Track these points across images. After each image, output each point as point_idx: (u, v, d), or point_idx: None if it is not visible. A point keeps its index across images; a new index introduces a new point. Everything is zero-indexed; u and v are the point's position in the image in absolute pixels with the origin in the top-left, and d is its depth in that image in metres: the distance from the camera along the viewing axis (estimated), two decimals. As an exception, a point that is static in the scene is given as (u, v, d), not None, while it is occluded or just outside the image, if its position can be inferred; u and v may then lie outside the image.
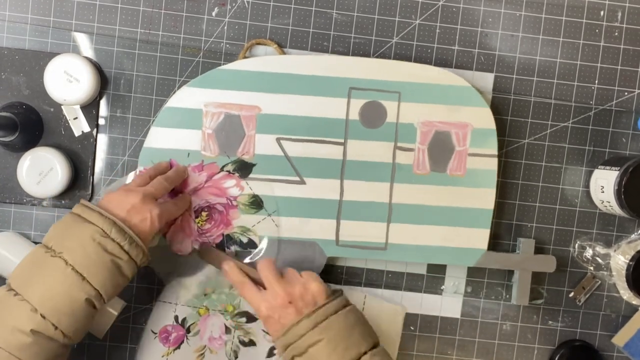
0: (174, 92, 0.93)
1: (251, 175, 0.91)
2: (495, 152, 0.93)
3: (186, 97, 0.91)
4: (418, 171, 0.93)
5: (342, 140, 0.92)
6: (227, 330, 0.93)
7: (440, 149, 0.93)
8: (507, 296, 0.97)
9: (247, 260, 0.91)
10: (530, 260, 0.95)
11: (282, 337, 0.80)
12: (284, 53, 0.94)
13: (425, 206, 0.93)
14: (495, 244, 0.96)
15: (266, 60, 0.91)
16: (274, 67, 0.91)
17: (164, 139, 0.91)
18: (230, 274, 0.86)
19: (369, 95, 0.92)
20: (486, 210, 0.93)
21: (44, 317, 0.73)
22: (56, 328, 0.74)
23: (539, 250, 0.97)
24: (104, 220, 0.77)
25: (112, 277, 0.76)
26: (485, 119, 0.93)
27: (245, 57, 0.93)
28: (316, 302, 0.81)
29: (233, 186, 0.91)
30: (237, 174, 0.91)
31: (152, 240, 0.86)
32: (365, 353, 0.78)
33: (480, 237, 0.94)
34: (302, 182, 0.92)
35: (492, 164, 0.93)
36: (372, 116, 0.92)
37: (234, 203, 0.91)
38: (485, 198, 0.93)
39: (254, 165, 0.92)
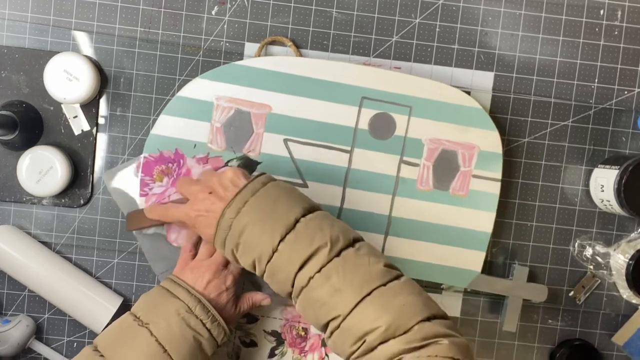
0: (174, 90, 0.93)
1: (255, 174, 0.91)
2: (499, 176, 0.93)
3: (199, 88, 0.91)
4: (421, 187, 0.93)
5: (349, 148, 0.92)
6: (228, 330, 0.93)
7: (445, 167, 0.93)
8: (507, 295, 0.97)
9: None
10: (522, 288, 0.95)
11: (216, 236, 0.76)
12: (299, 51, 0.94)
13: (425, 223, 0.93)
14: (495, 243, 0.96)
15: (282, 60, 0.91)
16: (289, 68, 0.91)
17: (173, 128, 0.91)
18: (152, 211, 0.85)
19: (381, 107, 0.92)
20: (484, 233, 0.93)
21: None
22: None
23: (539, 249, 0.97)
24: (190, 297, 0.79)
25: (192, 353, 0.77)
26: (493, 142, 0.93)
27: (260, 55, 0.93)
28: (237, 185, 0.78)
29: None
30: None
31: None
32: (297, 221, 0.74)
33: (475, 260, 0.93)
34: (305, 186, 0.92)
35: (495, 188, 0.93)
36: (381, 127, 0.92)
37: None
38: (485, 221, 0.93)
39: (258, 163, 0.92)
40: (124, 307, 0.92)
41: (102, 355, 0.76)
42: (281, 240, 0.73)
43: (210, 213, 0.78)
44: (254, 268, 0.76)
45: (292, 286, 0.73)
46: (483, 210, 0.93)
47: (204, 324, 0.78)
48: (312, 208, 0.77)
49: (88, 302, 0.90)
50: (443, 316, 0.71)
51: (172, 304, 0.78)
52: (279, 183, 0.79)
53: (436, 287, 0.97)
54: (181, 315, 0.77)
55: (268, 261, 0.74)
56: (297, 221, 0.74)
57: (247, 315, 0.93)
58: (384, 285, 0.71)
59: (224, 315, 0.81)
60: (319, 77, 0.91)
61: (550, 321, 0.99)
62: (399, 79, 0.92)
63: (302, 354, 0.93)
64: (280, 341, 0.93)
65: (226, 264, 0.84)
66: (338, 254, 0.73)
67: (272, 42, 0.94)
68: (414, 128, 0.92)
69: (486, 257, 0.94)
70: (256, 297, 0.87)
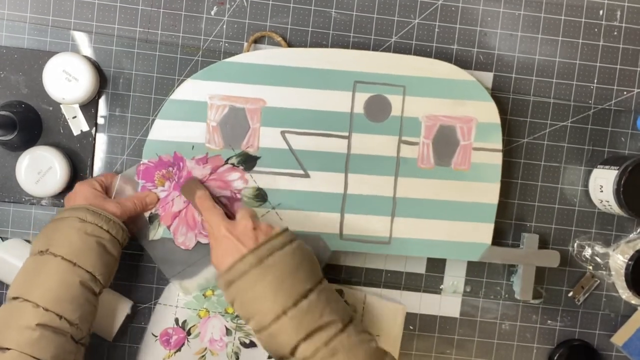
0: (173, 91, 0.93)
1: (255, 168, 0.91)
2: (500, 146, 0.93)
3: (191, 89, 0.90)
4: (422, 165, 0.93)
5: (347, 134, 0.92)
6: (228, 332, 0.93)
7: (445, 143, 0.92)
8: (506, 295, 0.97)
9: None
10: (534, 255, 0.94)
11: (226, 274, 0.76)
12: (288, 46, 0.94)
13: (429, 200, 0.93)
14: (495, 243, 0.96)
15: (271, 53, 0.91)
16: (279, 60, 0.91)
17: (169, 132, 0.91)
18: (201, 199, 0.85)
19: (374, 89, 0.92)
20: (490, 205, 0.93)
21: (46, 310, 0.76)
22: (61, 317, 0.76)
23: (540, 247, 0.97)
24: (77, 209, 0.82)
25: (100, 257, 0.80)
26: (490, 113, 0.93)
27: (250, 51, 0.93)
28: (267, 235, 0.78)
29: (237, 179, 0.91)
30: (241, 167, 0.91)
31: (155, 232, 0.90)
32: (311, 290, 0.76)
33: (484, 232, 0.93)
34: (307, 176, 0.92)
35: (497, 159, 0.93)
36: (377, 110, 0.92)
37: (238, 196, 0.91)
38: (490, 192, 0.93)
39: (258, 158, 0.92)
40: (134, 309, 0.92)
41: (17, 298, 0.77)
42: (294, 305, 0.74)
43: (241, 242, 0.77)
44: (250, 320, 0.76)
45: (291, 353, 0.74)
46: (487, 182, 0.93)
47: (100, 227, 0.81)
48: (322, 279, 0.79)
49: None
50: None
51: (64, 222, 0.81)
52: (302, 244, 0.80)
53: (435, 288, 0.97)
54: (76, 227, 0.80)
55: (274, 320, 0.74)
56: (311, 290, 0.76)
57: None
58: None
59: (111, 212, 0.84)
60: (310, 66, 0.91)
61: (549, 321, 0.99)
62: (390, 60, 0.92)
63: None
64: (279, 342, 0.93)
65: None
66: (343, 330, 0.75)
67: (261, 38, 0.94)
68: (410, 107, 0.92)
69: (494, 227, 0.93)
70: (140, 195, 0.89)
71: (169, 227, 0.90)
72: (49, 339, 0.75)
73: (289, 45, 0.94)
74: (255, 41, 0.94)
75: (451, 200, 0.93)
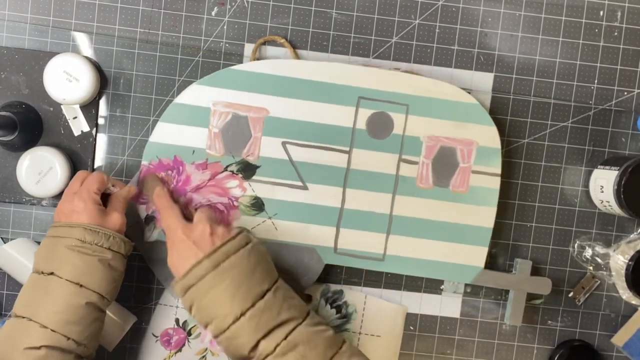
0: (174, 93, 0.93)
1: (254, 177, 0.91)
2: (499, 171, 0.93)
3: (195, 94, 0.90)
4: (421, 185, 0.93)
5: (348, 149, 0.92)
6: (228, 331, 0.93)
7: (445, 164, 0.93)
8: (506, 296, 0.97)
9: None
10: (526, 281, 0.95)
11: (183, 280, 0.76)
12: (293, 49, 0.94)
13: (426, 220, 0.93)
14: (494, 243, 0.96)
15: (277, 63, 0.91)
16: (285, 71, 0.91)
17: (170, 135, 0.91)
18: (160, 197, 0.85)
19: (377, 106, 0.92)
20: (486, 229, 0.93)
21: (54, 331, 0.75)
22: (68, 339, 0.76)
23: (538, 250, 0.97)
24: (74, 229, 0.80)
25: (105, 276, 0.79)
26: (491, 137, 0.93)
27: (256, 58, 0.93)
28: (222, 239, 0.78)
29: (235, 187, 0.91)
30: (240, 175, 0.91)
31: (151, 234, 0.90)
32: (268, 290, 0.77)
33: (478, 255, 0.94)
34: (305, 188, 0.92)
35: (495, 183, 0.93)
36: (379, 127, 0.92)
37: (235, 204, 0.91)
38: (486, 216, 0.93)
39: (258, 167, 0.92)
40: (136, 324, 0.92)
41: (23, 317, 0.76)
42: (252, 306, 0.75)
43: (198, 245, 0.78)
44: (208, 325, 0.77)
45: (251, 351, 0.75)
46: (484, 206, 0.93)
47: (100, 246, 0.79)
48: (277, 278, 0.80)
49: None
50: None
51: (62, 244, 0.79)
52: (257, 245, 0.80)
53: (436, 288, 0.97)
54: (76, 249, 0.78)
55: (232, 323, 0.75)
56: (268, 290, 0.77)
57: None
58: (340, 348, 0.77)
59: (111, 227, 0.82)
60: (315, 79, 0.91)
61: (549, 322, 0.99)
62: (395, 78, 0.92)
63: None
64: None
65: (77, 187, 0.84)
66: (300, 324, 0.77)
67: (265, 43, 0.94)
68: (412, 126, 0.92)
69: (488, 251, 0.94)
70: (122, 194, 0.86)
71: (164, 231, 0.90)
72: (55, 358, 0.75)
73: (292, 46, 0.94)
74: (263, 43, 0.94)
75: (447, 221, 0.93)
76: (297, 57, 0.94)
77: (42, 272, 0.78)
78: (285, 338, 0.75)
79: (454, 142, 0.93)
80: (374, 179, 0.92)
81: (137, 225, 0.90)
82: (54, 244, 0.80)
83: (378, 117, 0.92)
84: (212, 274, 0.76)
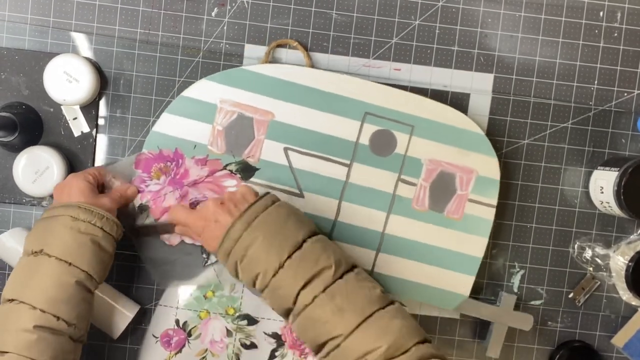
0: (174, 92, 0.93)
1: (252, 179, 0.91)
2: (495, 203, 0.93)
3: (204, 89, 0.91)
4: (416, 206, 0.93)
5: (348, 162, 0.92)
6: (229, 333, 0.93)
7: (442, 189, 0.93)
8: (507, 297, 0.98)
9: None
10: (508, 315, 0.95)
11: (221, 247, 0.78)
12: (306, 51, 0.94)
13: (417, 242, 0.93)
14: (493, 243, 0.96)
15: (289, 69, 0.91)
16: (296, 78, 0.91)
17: (174, 127, 0.91)
18: (176, 211, 0.86)
19: (383, 123, 0.92)
20: (475, 258, 0.93)
21: (43, 311, 0.76)
22: (58, 318, 0.77)
23: (538, 251, 0.97)
24: (69, 207, 0.81)
25: (95, 255, 0.80)
26: (491, 169, 0.93)
27: (268, 61, 0.93)
28: (248, 201, 0.80)
29: (232, 186, 0.91)
30: (238, 175, 0.91)
31: (146, 217, 0.90)
32: (304, 241, 0.77)
33: (464, 283, 0.94)
34: (301, 196, 0.92)
35: (489, 214, 0.93)
36: (382, 144, 0.92)
37: None
38: (477, 246, 0.93)
39: (257, 169, 0.92)
40: (139, 312, 0.92)
41: (13, 300, 0.77)
42: (288, 257, 0.76)
43: (219, 224, 0.79)
44: (254, 282, 0.78)
45: (294, 303, 0.76)
46: (476, 235, 0.93)
47: (93, 224, 0.80)
48: (317, 231, 0.80)
49: (105, 307, 0.90)
50: (430, 340, 0.76)
51: (56, 221, 0.80)
52: (285, 203, 0.81)
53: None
54: (69, 226, 0.79)
55: (273, 276, 0.76)
56: (304, 241, 0.77)
57: (247, 317, 0.93)
58: (383, 308, 0.75)
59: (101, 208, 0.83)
60: (325, 89, 0.91)
61: (549, 323, 0.99)
62: (403, 97, 0.92)
63: (303, 356, 0.93)
64: (280, 343, 0.93)
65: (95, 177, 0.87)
66: (341, 277, 0.76)
67: (279, 45, 0.94)
68: (415, 147, 0.92)
69: (475, 280, 0.94)
70: (121, 189, 0.88)
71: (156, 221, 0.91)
72: (47, 340, 0.75)
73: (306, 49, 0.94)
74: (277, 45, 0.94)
75: (438, 246, 0.93)
76: (311, 61, 0.94)
77: (32, 252, 0.79)
78: (324, 290, 0.75)
79: (454, 168, 0.93)
80: (370, 195, 0.92)
81: (129, 214, 0.90)
82: (47, 222, 0.81)
83: (382, 134, 0.92)
84: (246, 233, 0.76)
